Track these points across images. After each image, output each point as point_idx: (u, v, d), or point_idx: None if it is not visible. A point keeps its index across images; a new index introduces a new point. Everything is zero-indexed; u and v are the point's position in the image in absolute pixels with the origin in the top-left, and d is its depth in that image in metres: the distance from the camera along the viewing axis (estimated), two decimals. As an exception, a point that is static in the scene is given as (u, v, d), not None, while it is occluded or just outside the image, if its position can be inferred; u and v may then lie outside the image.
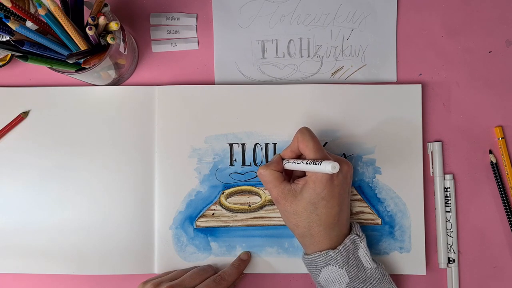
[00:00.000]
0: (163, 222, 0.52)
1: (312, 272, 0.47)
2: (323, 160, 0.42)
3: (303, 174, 0.47)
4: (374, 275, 0.46)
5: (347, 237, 0.46)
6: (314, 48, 0.55)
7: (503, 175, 0.54)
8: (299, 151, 0.47)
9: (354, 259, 0.46)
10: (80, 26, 0.44)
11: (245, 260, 0.51)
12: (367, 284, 0.45)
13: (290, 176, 0.50)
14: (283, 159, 0.48)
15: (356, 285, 0.45)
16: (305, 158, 0.45)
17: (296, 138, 0.46)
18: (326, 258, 0.45)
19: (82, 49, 0.44)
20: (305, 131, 0.46)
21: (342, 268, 0.45)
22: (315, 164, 0.42)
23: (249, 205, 0.53)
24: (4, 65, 0.52)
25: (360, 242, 0.46)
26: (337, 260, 0.45)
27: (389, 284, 0.47)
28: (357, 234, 0.47)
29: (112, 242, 0.52)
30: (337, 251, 0.45)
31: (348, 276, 0.45)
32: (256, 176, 0.53)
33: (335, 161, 0.41)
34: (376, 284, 0.46)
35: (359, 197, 0.53)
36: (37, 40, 0.42)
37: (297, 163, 0.45)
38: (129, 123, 0.53)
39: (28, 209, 0.52)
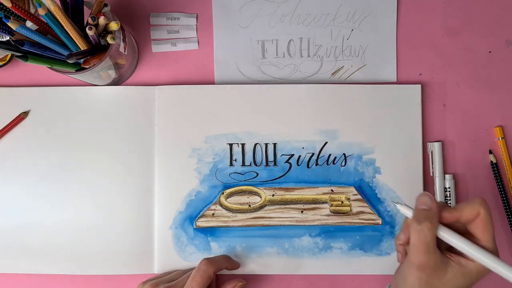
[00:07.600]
0: (163, 222, 0.52)
1: None
2: (496, 252, 0.38)
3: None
4: None
5: None
6: (314, 48, 0.55)
7: (503, 175, 0.53)
8: (462, 218, 0.39)
9: None
10: (80, 26, 0.44)
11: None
12: None
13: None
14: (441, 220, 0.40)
15: None
16: (464, 234, 0.39)
17: (476, 210, 0.39)
18: None
19: (82, 49, 0.44)
20: (489, 210, 0.39)
21: None
22: (496, 263, 0.37)
23: (249, 205, 0.53)
24: (4, 65, 0.52)
25: None
26: None
27: None
28: None
29: (112, 242, 0.52)
30: None
31: None
32: (257, 175, 0.53)
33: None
34: None
35: (359, 197, 0.53)
36: (37, 40, 0.42)
37: (463, 243, 0.38)
38: (129, 123, 0.53)
39: (28, 209, 0.52)
